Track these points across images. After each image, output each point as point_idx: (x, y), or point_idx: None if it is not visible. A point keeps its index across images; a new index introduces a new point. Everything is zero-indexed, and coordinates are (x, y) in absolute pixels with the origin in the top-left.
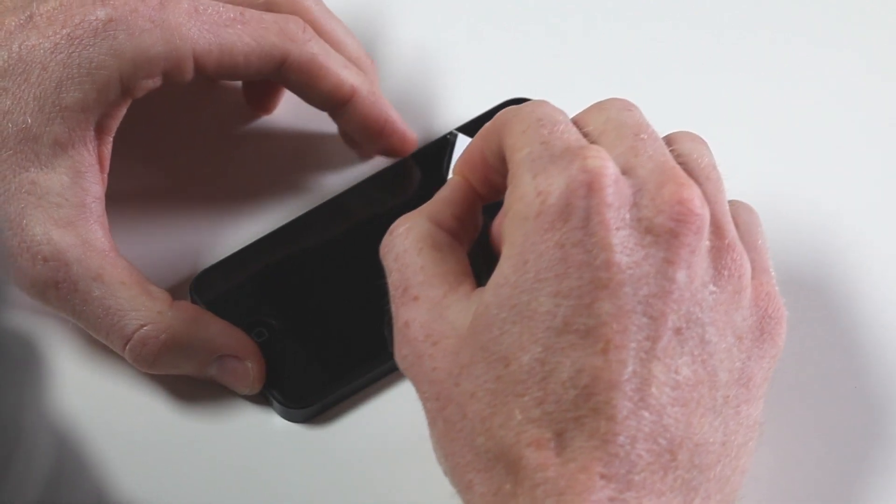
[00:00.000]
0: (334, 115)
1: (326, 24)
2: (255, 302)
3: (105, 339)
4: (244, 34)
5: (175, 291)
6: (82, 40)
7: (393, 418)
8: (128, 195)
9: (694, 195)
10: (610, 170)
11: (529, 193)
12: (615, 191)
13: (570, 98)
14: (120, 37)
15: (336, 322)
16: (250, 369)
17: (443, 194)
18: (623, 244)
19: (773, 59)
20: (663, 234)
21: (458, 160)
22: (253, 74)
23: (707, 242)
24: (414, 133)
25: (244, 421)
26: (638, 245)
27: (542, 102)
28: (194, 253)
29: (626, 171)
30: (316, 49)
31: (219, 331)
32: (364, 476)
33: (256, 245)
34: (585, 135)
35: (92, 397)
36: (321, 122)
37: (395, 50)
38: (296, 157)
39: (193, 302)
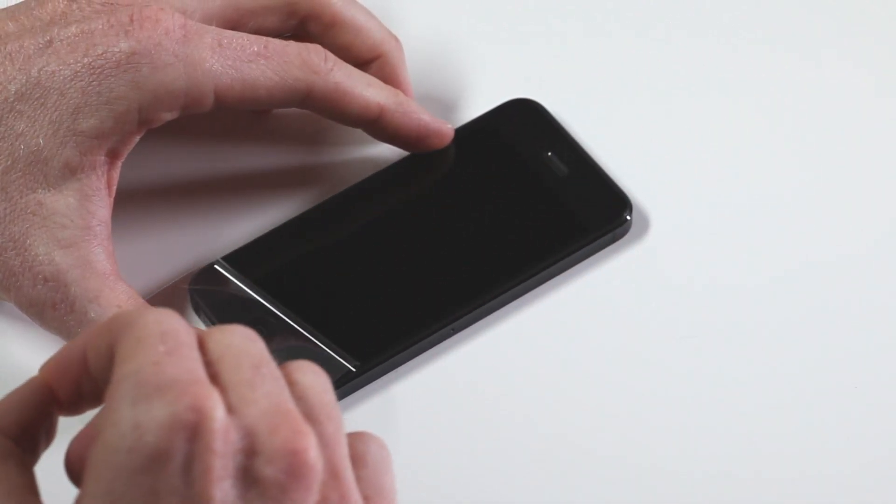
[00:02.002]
0: (366, 131)
1: (347, 12)
2: (254, 300)
3: None
4: (267, 69)
5: (174, 289)
6: (104, 70)
7: (392, 417)
8: (127, 192)
9: (309, 445)
10: (220, 412)
11: (125, 422)
12: (223, 437)
13: (570, 98)
14: (143, 70)
15: (334, 320)
16: None
17: (13, 396)
18: (225, 498)
19: (774, 60)
20: (271, 487)
21: (51, 357)
22: (276, 106)
23: (317, 496)
24: (449, 125)
25: None
26: (240, 499)
27: (173, 315)
28: (193, 251)
29: (238, 409)
30: (339, 77)
31: None
32: None
33: (256, 243)
34: (206, 363)
35: None
36: (321, 120)
37: None
38: (296, 155)
39: (192, 300)
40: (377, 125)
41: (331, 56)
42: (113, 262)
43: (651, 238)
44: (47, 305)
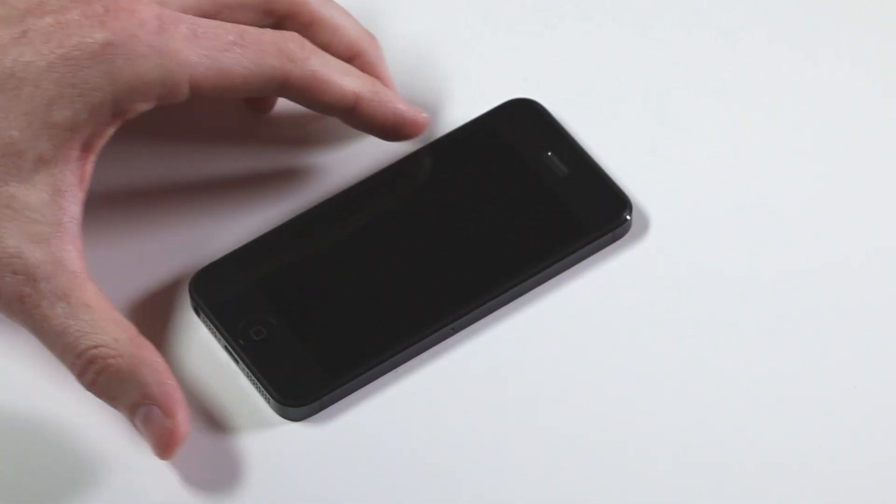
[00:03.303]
0: (343, 119)
1: (324, 11)
2: (254, 300)
3: (59, 356)
4: (243, 58)
5: (174, 289)
6: (78, 62)
7: (391, 417)
8: (129, 191)
9: None
10: None
11: None
12: None
13: (570, 98)
14: (117, 61)
15: (334, 320)
16: (168, 428)
17: None
18: None
19: (774, 60)
20: None
21: None
22: (253, 94)
23: None
24: (425, 115)
25: (241, 419)
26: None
27: None
28: (194, 250)
29: None
30: (316, 65)
31: (158, 380)
32: (361, 474)
33: (256, 243)
34: None
35: (86, 403)
36: (320, 119)
37: (394, 48)
38: (296, 153)
39: (192, 299)
40: (353, 114)
41: (307, 44)
42: (82, 261)
43: (651, 238)
44: (14, 298)
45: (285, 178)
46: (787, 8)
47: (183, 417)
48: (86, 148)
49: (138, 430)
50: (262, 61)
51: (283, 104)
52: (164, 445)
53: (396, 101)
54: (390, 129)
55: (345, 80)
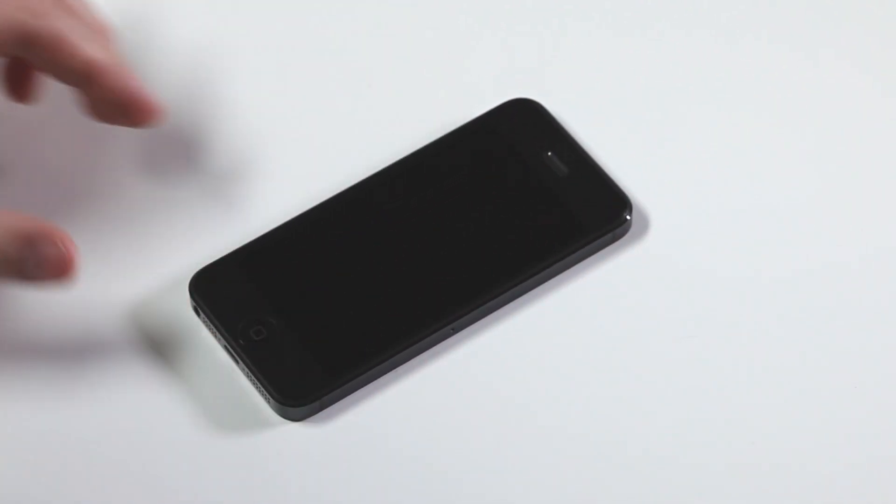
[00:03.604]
0: (82, 90)
1: None
2: (254, 300)
3: None
4: None
5: (174, 289)
6: None
7: (391, 417)
8: (129, 191)
9: None
10: None
11: None
12: None
13: (570, 98)
14: None
15: (334, 320)
16: (58, 253)
17: None
18: None
19: (774, 60)
20: None
21: None
22: (3, 53)
23: None
24: (161, 104)
25: (241, 419)
26: None
27: None
28: (194, 250)
29: None
30: (60, 24)
31: (15, 219)
32: (361, 474)
33: (255, 244)
34: None
35: (91, 400)
36: (319, 122)
37: (394, 48)
38: (296, 153)
39: (192, 300)
40: (92, 83)
41: (54, 5)
42: None
43: (651, 238)
44: None
45: (285, 178)
46: (787, 8)
47: (63, 235)
48: None
49: (37, 279)
50: (4, 14)
51: (288, 111)
52: (62, 269)
53: (137, 81)
54: (125, 107)
55: (87, 45)
